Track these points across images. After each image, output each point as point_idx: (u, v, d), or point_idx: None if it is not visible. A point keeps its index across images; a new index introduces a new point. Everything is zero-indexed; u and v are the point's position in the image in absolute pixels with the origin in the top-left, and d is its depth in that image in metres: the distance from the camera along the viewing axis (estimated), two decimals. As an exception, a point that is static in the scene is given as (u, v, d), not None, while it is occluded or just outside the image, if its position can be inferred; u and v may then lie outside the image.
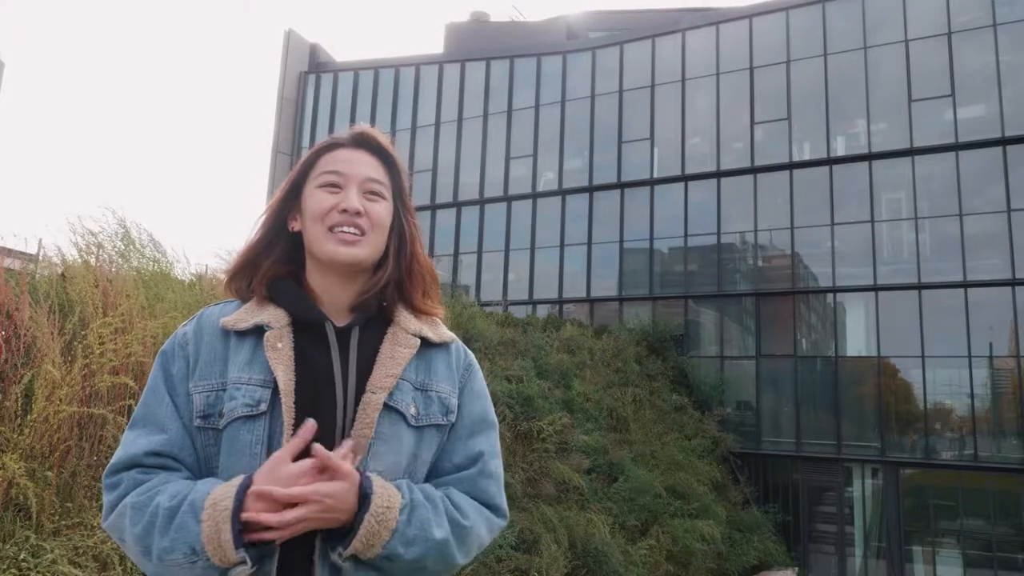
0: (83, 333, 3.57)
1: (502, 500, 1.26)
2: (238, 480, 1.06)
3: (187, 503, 1.05)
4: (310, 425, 1.08)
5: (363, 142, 1.27)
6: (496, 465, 1.28)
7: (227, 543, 1.01)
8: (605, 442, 10.32)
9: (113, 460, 1.15)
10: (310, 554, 1.09)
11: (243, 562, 1.02)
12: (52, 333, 3.40)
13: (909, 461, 15.19)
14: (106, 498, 1.14)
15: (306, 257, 1.26)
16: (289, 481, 1.05)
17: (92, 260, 4.41)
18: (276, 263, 1.26)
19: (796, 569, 13.07)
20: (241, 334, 1.20)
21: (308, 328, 1.21)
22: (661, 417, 13.62)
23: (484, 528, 1.21)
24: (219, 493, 1.05)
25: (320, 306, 1.23)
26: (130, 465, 1.13)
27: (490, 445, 1.28)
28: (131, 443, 1.15)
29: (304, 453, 1.07)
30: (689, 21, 19.52)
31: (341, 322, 1.23)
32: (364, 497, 1.07)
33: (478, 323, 10.42)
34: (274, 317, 1.20)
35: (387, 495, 1.09)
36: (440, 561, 1.14)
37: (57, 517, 3.03)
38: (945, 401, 15.38)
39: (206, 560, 1.02)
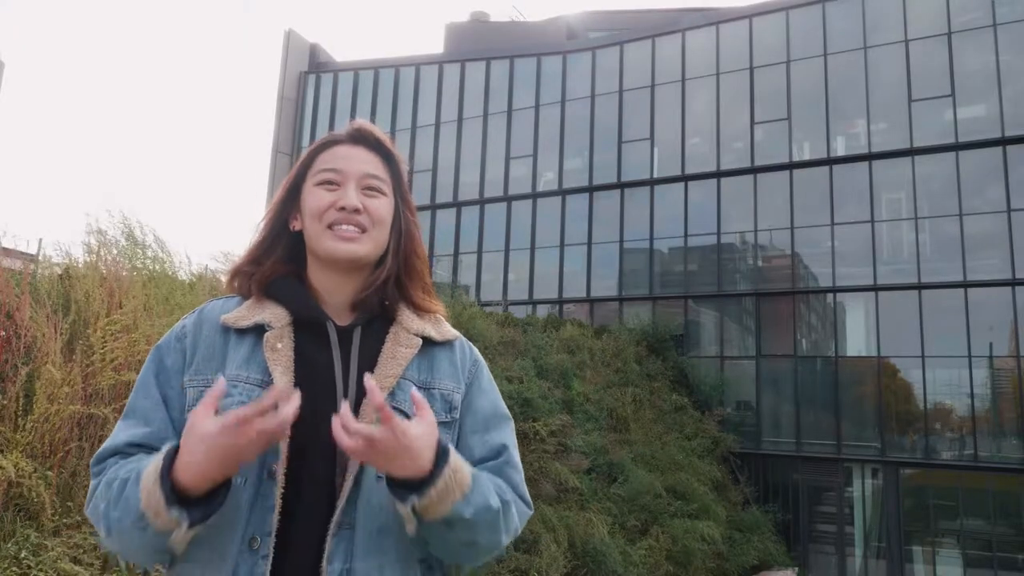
0: (85, 332, 3.57)
1: (526, 491, 1.26)
2: (171, 445, 1.04)
3: (135, 473, 1.04)
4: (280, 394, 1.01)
5: (361, 138, 1.26)
6: (518, 458, 1.28)
7: (159, 502, 0.98)
8: (605, 442, 10.32)
9: (99, 449, 1.16)
10: (317, 561, 1.07)
11: (179, 523, 0.99)
12: (53, 333, 3.40)
13: (909, 461, 15.19)
14: (91, 485, 1.14)
15: (308, 256, 1.25)
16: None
17: (97, 259, 4.42)
18: (277, 263, 1.25)
19: (796, 569, 13.06)
20: (241, 332, 1.19)
21: (309, 327, 1.19)
22: (661, 417, 13.62)
23: (516, 513, 1.20)
24: (156, 458, 1.03)
25: (322, 305, 1.22)
26: (113, 453, 1.14)
27: (510, 438, 1.28)
28: (116, 434, 1.16)
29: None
30: (689, 21, 19.51)
31: (343, 322, 1.22)
32: (443, 451, 1.05)
33: (478, 323, 10.42)
34: (275, 316, 1.19)
35: (460, 459, 1.08)
36: (491, 533, 1.12)
37: (57, 516, 3.03)
38: (945, 401, 15.38)
39: (147, 523, 1.00)
